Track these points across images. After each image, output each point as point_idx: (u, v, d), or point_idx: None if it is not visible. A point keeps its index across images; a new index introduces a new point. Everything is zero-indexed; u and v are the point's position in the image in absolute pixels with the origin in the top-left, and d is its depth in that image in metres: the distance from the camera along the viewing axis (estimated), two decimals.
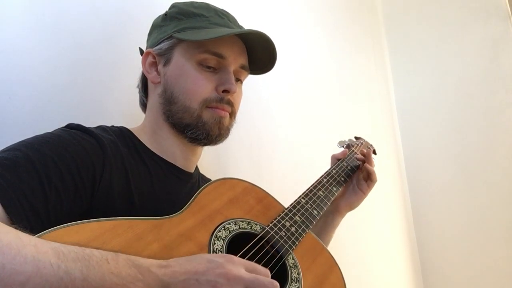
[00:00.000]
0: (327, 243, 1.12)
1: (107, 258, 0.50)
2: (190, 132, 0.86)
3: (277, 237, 0.79)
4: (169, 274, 0.54)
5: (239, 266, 0.58)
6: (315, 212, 0.93)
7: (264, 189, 0.92)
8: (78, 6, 1.00)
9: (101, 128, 0.82)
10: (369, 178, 1.16)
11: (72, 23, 0.98)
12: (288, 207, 0.90)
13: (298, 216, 0.88)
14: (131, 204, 0.75)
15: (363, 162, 1.19)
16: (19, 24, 0.89)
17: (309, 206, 0.94)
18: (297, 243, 0.82)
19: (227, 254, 0.67)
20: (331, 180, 1.07)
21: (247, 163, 1.41)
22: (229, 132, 0.91)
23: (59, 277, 0.45)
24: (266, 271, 0.61)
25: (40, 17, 0.93)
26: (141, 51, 0.95)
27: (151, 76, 0.90)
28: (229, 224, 0.77)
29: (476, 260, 2.33)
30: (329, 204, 1.01)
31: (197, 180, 0.96)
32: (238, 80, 0.93)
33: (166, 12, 0.91)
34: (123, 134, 0.84)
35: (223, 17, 0.90)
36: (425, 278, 2.50)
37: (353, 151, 1.24)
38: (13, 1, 0.88)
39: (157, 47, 0.89)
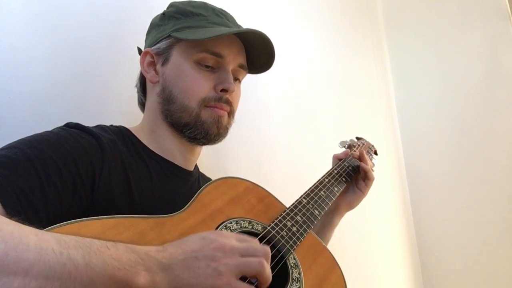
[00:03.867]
0: (326, 243, 1.12)
1: (107, 245, 0.51)
2: (188, 132, 0.86)
3: (278, 236, 0.79)
4: (168, 256, 0.54)
5: (230, 238, 0.60)
6: (317, 212, 0.93)
7: (265, 188, 0.92)
8: (78, 5, 1.00)
9: (100, 127, 0.82)
10: (366, 177, 1.16)
11: (72, 23, 0.98)
12: (289, 207, 0.90)
13: (300, 216, 0.88)
14: (131, 202, 0.75)
15: (359, 161, 1.19)
16: (19, 23, 0.89)
17: (311, 206, 0.93)
18: (298, 243, 0.82)
19: (217, 230, 0.70)
20: (332, 180, 1.07)
21: (247, 163, 1.40)
22: (227, 131, 0.91)
23: (62, 263, 0.45)
24: (255, 239, 0.64)
25: (39, 16, 0.92)
26: (140, 51, 0.95)
27: (150, 75, 0.89)
28: (231, 223, 0.76)
29: (476, 259, 2.32)
30: (330, 204, 1.00)
31: (197, 179, 0.95)
32: (237, 80, 0.93)
33: (164, 11, 0.91)
34: (122, 133, 0.84)
35: (221, 16, 0.90)
36: (425, 278, 2.49)
37: (354, 151, 1.24)
38: (13, 0, 0.88)
39: (155, 47, 0.89)
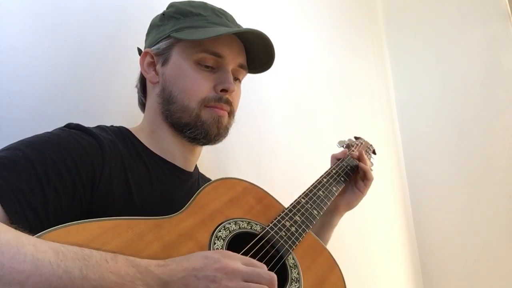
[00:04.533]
0: (326, 243, 1.13)
1: (106, 258, 0.51)
2: (188, 132, 0.85)
3: (277, 237, 0.79)
4: (168, 273, 0.54)
5: (235, 260, 0.59)
6: (315, 212, 0.93)
7: (264, 189, 0.92)
8: (78, 5, 1.00)
9: (100, 128, 0.82)
10: (365, 177, 1.16)
11: (72, 23, 0.98)
12: (288, 207, 0.90)
13: (298, 216, 0.88)
14: (131, 204, 0.75)
15: (359, 161, 1.19)
16: (19, 23, 0.89)
17: (309, 206, 0.93)
18: (297, 243, 0.82)
19: (223, 250, 0.68)
20: (331, 180, 1.07)
21: (247, 163, 1.40)
22: (228, 131, 0.91)
23: (59, 276, 0.45)
24: (262, 265, 0.62)
25: (39, 16, 0.92)
26: (139, 51, 0.95)
27: (150, 76, 0.89)
28: (229, 224, 0.76)
29: (476, 259, 2.32)
30: (329, 204, 1.00)
31: (196, 180, 0.95)
32: (237, 79, 0.93)
33: (164, 11, 0.91)
34: (122, 134, 0.84)
35: (221, 16, 0.90)
36: (425, 278, 2.49)
37: (352, 151, 1.24)
38: (13, 2, 0.88)
39: (155, 47, 0.88)
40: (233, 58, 0.88)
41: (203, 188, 0.81)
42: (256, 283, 0.57)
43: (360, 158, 1.18)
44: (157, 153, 0.87)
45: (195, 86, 0.85)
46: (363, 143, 1.36)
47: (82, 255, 0.49)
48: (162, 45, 0.87)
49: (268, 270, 0.62)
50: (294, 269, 0.77)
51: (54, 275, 0.45)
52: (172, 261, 0.57)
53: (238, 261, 0.59)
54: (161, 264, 0.55)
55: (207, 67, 0.86)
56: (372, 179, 1.16)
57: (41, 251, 0.46)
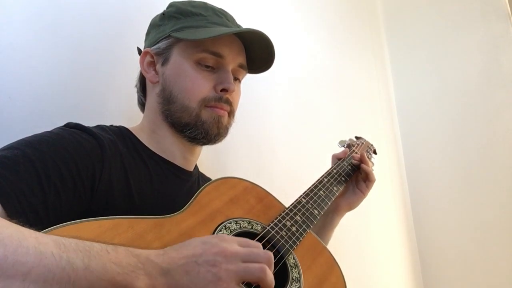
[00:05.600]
0: (326, 243, 1.12)
1: (106, 249, 0.51)
2: (189, 132, 0.86)
3: (278, 236, 0.79)
4: (168, 261, 0.54)
5: (232, 243, 0.59)
6: (316, 211, 0.93)
7: (265, 188, 0.92)
8: (78, 5, 1.00)
9: (100, 127, 0.82)
10: (367, 179, 1.16)
11: (72, 23, 0.98)
12: (288, 207, 0.90)
13: (299, 216, 0.88)
14: (131, 203, 0.75)
15: (360, 163, 1.19)
16: (19, 24, 0.89)
17: (310, 205, 0.93)
18: (297, 242, 0.82)
19: (219, 234, 0.69)
20: (331, 180, 1.07)
21: (247, 163, 1.40)
22: (227, 131, 0.91)
23: (61, 266, 0.45)
24: (258, 244, 0.63)
25: (40, 17, 0.93)
26: (139, 51, 0.95)
27: (150, 75, 0.89)
28: (230, 223, 0.76)
29: (476, 259, 2.32)
30: (329, 204, 1.00)
31: (196, 179, 0.95)
32: (237, 79, 0.93)
33: (164, 11, 0.91)
34: (122, 134, 0.84)
35: (221, 16, 0.90)
36: (425, 278, 2.49)
37: (353, 150, 1.24)
38: (13, 1, 0.88)
39: (155, 47, 0.88)
40: (233, 58, 0.88)
41: (204, 188, 0.81)
42: (255, 262, 0.58)
43: (362, 160, 1.17)
44: (157, 152, 0.87)
45: (195, 86, 0.85)
46: (364, 143, 1.36)
47: (83, 246, 0.49)
48: (162, 44, 0.87)
49: (271, 276, 0.62)
50: (295, 268, 0.77)
51: (57, 266, 0.45)
52: (171, 249, 0.57)
53: (235, 244, 0.60)
54: (161, 253, 0.55)
55: (207, 67, 0.86)
56: (374, 180, 1.16)
57: (43, 243, 0.46)
